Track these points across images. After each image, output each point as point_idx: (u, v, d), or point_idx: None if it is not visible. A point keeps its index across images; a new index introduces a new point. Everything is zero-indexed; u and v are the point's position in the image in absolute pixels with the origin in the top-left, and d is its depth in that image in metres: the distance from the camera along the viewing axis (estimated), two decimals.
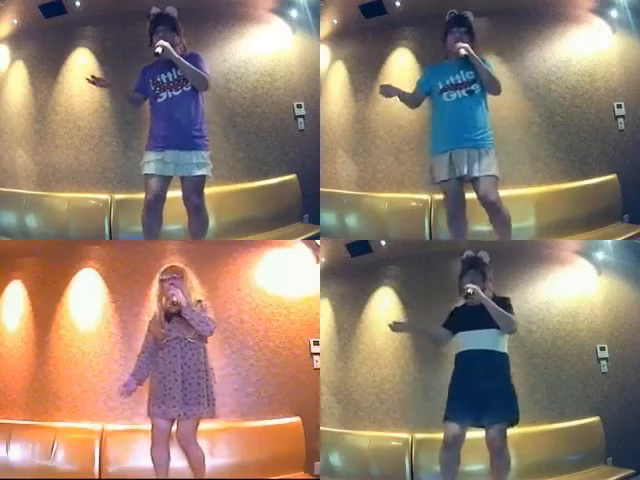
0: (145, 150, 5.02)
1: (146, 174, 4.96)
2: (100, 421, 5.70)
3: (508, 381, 4.65)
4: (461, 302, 4.80)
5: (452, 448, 4.60)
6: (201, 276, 5.58)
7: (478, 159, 4.93)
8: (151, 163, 4.94)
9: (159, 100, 4.96)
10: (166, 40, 4.87)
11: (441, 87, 4.98)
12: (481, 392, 4.54)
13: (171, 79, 4.95)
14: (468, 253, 4.82)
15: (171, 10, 4.99)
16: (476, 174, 4.92)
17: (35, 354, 5.91)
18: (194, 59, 4.96)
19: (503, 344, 4.66)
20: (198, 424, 4.71)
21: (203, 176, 5.00)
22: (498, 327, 4.62)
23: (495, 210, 5.01)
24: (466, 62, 4.94)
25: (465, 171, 4.91)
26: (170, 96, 4.94)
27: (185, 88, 4.95)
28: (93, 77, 5.05)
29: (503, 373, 4.64)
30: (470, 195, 5.08)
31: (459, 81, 4.97)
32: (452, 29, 4.98)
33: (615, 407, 5.85)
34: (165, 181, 4.97)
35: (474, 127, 4.94)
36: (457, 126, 4.94)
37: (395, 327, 4.93)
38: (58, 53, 6.28)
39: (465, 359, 4.67)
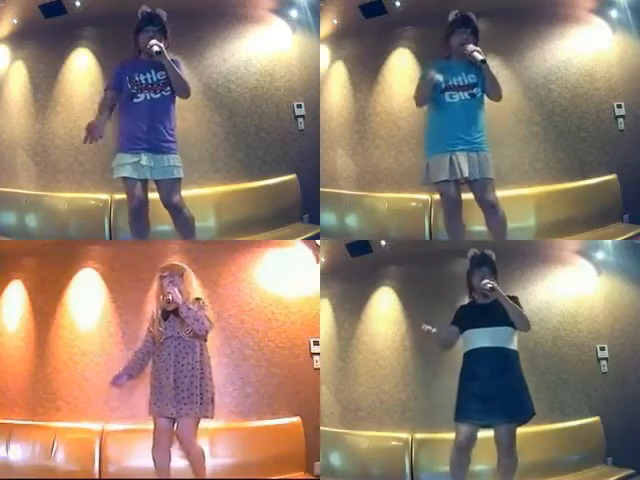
0: (118, 152, 4.96)
1: (123, 177, 4.92)
2: (100, 421, 5.70)
3: (522, 378, 4.63)
4: (467, 300, 4.80)
5: (464, 449, 4.58)
6: (201, 276, 5.59)
7: (477, 162, 4.94)
8: (126, 166, 4.89)
9: (136, 100, 4.89)
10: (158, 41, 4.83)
11: (443, 86, 4.97)
12: (496, 390, 4.52)
13: (150, 81, 4.90)
14: (475, 251, 4.80)
15: (162, 12, 4.95)
16: (477, 177, 4.94)
17: (35, 354, 5.91)
18: (176, 65, 4.92)
19: (515, 341, 4.65)
20: (197, 424, 4.72)
21: (179, 178, 4.99)
22: (510, 324, 4.60)
23: (493, 211, 5.02)
24: (469, 64, 4.93)
25: (466, 173, 4.92)
26: (149, 98, 4.89)
27: (164, 92, 4.91)
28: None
29: (516, 370, 4.62)
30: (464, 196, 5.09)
31: (461, 83, 4.96)
32: (458, 29, 4.96)
33: (615, 407, 5.85)
34: (144, 185, 4.94)
35: (475, 130, 4.96)
36: (459, 128, 4.94)
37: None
38: (58, 53, 6.27)
39: (476, 357, 4.63)
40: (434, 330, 4.67)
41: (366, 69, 6.37)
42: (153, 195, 5.06)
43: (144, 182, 4.95)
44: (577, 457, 5.78)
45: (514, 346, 4.64)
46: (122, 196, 6.05)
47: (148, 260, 5.78)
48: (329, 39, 6.23)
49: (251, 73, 6.26)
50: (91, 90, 6.21)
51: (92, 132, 4.91)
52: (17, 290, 6.05)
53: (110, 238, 6.05)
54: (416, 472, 5.86)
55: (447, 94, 4.97)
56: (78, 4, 6.05)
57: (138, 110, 4.89)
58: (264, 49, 6.28)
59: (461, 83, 4.96)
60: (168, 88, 4.91)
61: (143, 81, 4.90)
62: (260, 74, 6.26)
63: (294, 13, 6.21)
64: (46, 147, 6.23)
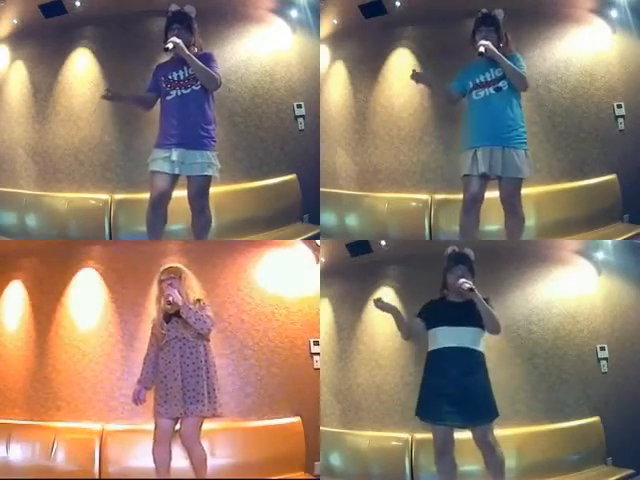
0: (153, 147, 5.01)
1: (152, 171, 4.95)
2: (100, 421, 5.70)
3: (487, 381, 4.55)
4: (438, 295, 4.70)
5: (443, 454, 4.53)
6: (201, 276, 5.59)
7: (502, 158, 4.90)
8: (157, 160, 4.93)
9: (168, 98, 4.95)
10: (180, 38, 4.86)
11: (471, 86, 4.99)
12: (461, 392, 4.44)
13: (182, 77, 4.94)
14: (454, 248, 4.70)
15: (189, 9, 4.99)
16: (498, 173, 4.91)
17: (35, 354, 5.91)
18: (206, 58, 4.95)
19: (481, 343, 4.55)
20: (201, 424, 4.72)
21: (209, 176, 4.98)
22: (479, 325, 4.52)
23: (512, 213, 5.02)
24: (495, 60, 4.93)
25: (485, 169, 4.89)
26: (179, 94, 4.93)
27: (195, 87, 4.94)
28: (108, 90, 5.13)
29: (482, 372, 4.54)
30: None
31: (488, 79, 4.96)
32: (480, 28, 4.98)
33: (615, 407, 5.84)
34: (171, 179, 4.95)
35: (501, 125, 4.92)
36: (483, 123, 4.93)
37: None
38: (58, 53, 6.28)
39: (443, 356, 4.52)
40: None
41: (366, 69, 6.37)
42: (175, 193, 5.03)
43: (173, 177, 4.95)
44: (577, 457, 5.77)
45: (481, 347, 4.55)
46: (122, 196, 6.11)
47: (148, 260, 5.77)
48: (329, 39, 6.23)
49: (251, 73, 6.26)
50: (91, 90, 6.22)
51: (111, 94, 5.10)
52: (17, 290, 6.05)
53: (110, 238, 6.06)
54: (416, 472, 5.86)
55: (474, 92, 4.99)
56: (78, 4, 6.06)
57: (170, 107, 4.95)
58: (264, 49, 6.29)
59: (487, 79, 4.96)
60: (198, 83, 4.94)
61: (175, 78, 4.95)
62: (260, 74, 6.26)
63: (294, 13, 6.21)
64: (46, 147, 6.24)
